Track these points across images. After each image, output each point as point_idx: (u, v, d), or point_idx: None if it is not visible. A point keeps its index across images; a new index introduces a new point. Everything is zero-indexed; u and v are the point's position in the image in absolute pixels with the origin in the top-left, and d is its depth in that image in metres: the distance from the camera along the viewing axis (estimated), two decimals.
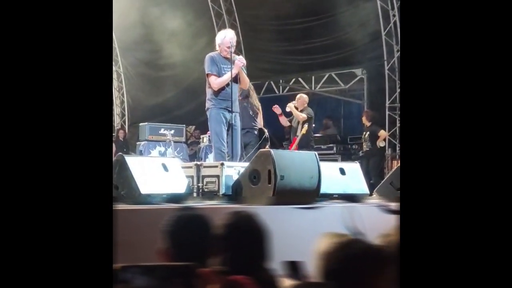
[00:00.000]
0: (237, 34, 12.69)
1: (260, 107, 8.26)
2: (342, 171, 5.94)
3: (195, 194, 5.41)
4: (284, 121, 9.61)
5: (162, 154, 11.48)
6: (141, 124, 12.39)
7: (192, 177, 5.48)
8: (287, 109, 9.56)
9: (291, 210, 4.84)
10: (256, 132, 7.96)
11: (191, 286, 1.91)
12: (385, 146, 10.85)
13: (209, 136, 10.89)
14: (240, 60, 6.43)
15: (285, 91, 13.41)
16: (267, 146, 7.85)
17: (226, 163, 5.46)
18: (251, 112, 7.90)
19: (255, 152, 7.22)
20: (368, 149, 10.73)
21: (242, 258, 2.36)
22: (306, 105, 9.63)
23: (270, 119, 11.29)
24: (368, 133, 10.74)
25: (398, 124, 11.21)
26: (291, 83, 13.38)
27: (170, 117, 13.41)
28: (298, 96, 9.81)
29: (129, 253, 2.91)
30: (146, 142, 11.85)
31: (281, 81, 13.54)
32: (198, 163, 5.74)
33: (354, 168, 6.14)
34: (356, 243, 2.01)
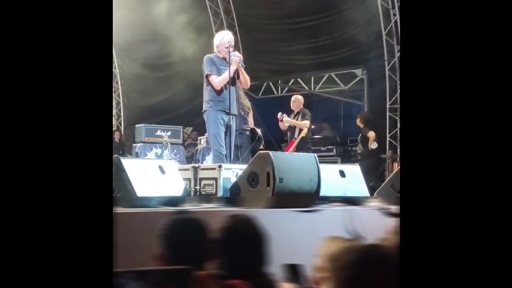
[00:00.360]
0: (235, 34, 12.80)
1: (250, 106, 8.24)
2: (342, 174, 5.94)
3: (192, 195, 5.41)
4: (283, 125, 9.57)
5: (159, 156, 11.47)
6: (137, 125, 12.39)
7: (189, 179, 5.48)
8: (286, 124, 9.43)
9: (290, 213, 4.84)
10: (248, 133, 7.94)
11: None
12: (377, 148, 10.81)
13: (206, 138, 10.90)
14: (236, 55, 6.46)
15: (284, 91, 13.40)
16: (262, 146, 7.84)
17: (224, 165, 5.46)
18: (242, 113, 7.89)
19: (250, 153, 7.24)
20: (360, 151, 10.74)
21: (239, 262, 2.35)
22: (302, 106, 9.53)
23: (269, 121, 11.31)
24: (360, 135, 10.78)
25: (399, 126, 11.21)
26: (290, 84, 13.37)
27: (166, 119, 13.40)
28: (293, 98, 9.70)
29: (125, 257, 2.90)
30: (142, 144, 11.84)
31: (279, 81, 13.53)
32: (196, 165, 5.73)
33: (354, 171, 6.13)
34: (370, 250, 1.99)
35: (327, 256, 2.04)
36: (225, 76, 6.37)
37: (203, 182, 5.44)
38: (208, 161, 10.27)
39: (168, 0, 12.32)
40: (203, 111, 6.53)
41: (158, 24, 12.91)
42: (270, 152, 5.14)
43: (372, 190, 6.73)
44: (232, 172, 5.40)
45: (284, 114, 9.43)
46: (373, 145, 10.54)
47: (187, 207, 4.78)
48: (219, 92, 6.41)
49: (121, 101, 15.34)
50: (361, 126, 10.78)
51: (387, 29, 11.41)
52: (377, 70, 11.71)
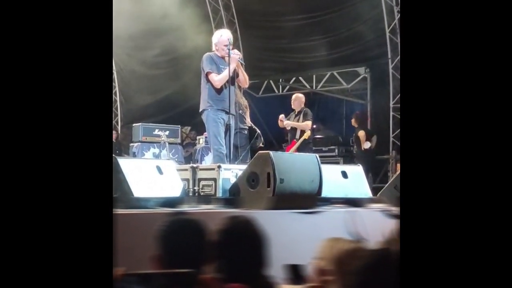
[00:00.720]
0: (234, 30, 12.82)
1: (247, 105, 8.24)
2: (344, 174, 5.94)
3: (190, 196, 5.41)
4: (282, 124, 9.54)
5: (157, 156, 11.46)
6: (134, 124, 12.37)
7: (187, 180, 5.48)
8: (288, 128, 9.41)
9: (291, 214, 4.84)
10: (246, 132, 7.94)
11: None
12: (371, 148, 10.79)
13: (205, 137, 10.89)
14: (235, 53, 6.48)
15: (285, 90, 13.39)
16: (261, 144, 7.84)
17: (224, 166, 5.46)
18: (240, 111, 7.88)
19: (248, 152, 7.23)
20: (354, 152, 10.76)
21: (239, 265, 2.35)
22: (303, 105, 9.50)
23: (269, 120, 11.29)
24: (354, 135, 10.82)
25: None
26: (291, 82, 13.36)
27: (164, 118, 13.39)
28: (293, 97, 9.66)
29: (121, 259, 2.90)
30: (139, 143, 11.82)
31: (280, 80, 13.51)
32: (194, 165, 5.73)
33: (356, 171, 6.13)
34: (378, 255, 1.99)
35: (331, 259, 2.04)
36: (225, 74, 6.38)
37: (202, 182, 5.44)
38: (207, 161, 10.26)
39: None
40: (201, 110, 6.52)
41: (155, 21, 12.92)
42: (271, 152, 5.14)
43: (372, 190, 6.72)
44: (231, 173, 5.40)
45: (283, 116, 9.41)
46: (366, 145, 10.54)
47: (185, 208, 4.78)
48: (219, 91, 6.42)
49: (117, 99, 15.33)
50: (356, 126, 10.79)
51: (391, 27, 11.40)
52: (381, 69, 11.70)
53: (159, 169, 4.98)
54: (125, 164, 4.78)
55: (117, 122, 15.38)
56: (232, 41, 6.58)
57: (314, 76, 12.98)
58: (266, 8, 12.92)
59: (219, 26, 11.77)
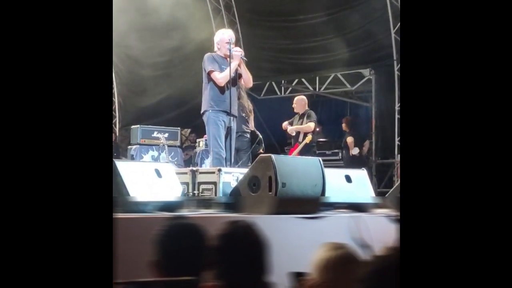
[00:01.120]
0: (236, 31, 12.81)
1: (252, 109, 8.21)
2: (348, 179, 5.93)
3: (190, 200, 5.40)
4: (285, 126, 9.54)
5: (155, 159, 11.45)
6: (132, 126, 12.36)
7: (187, 183, 5.47)
8: (292, 134, 9.40)
9: (293, 219, 4.83)
10: (248, 136, 7.92)
11: None
12: (360, 154, 10.75)
13: (205, 140, 10.88)
14: (237, 50, 6.47)
15: (287, 92, 13.38)
16: (262, 150, 7.82)
17: (224, 169, 5.45)
18: (243, 114, 7.86)
19: (249, 157, 7.22)
20: (343, 157, 10.74)
21: (239, 271, 2.34)
22: (307, 107, 9.48)
23: (271, 122, 11.29)
24: (343, 140, 10.81)
25: (399, 130, 11.19)
26: (293, 84, 13.36)
27: (164, 120, 13.38)
28: (295, 99, 9.62)
29: (118, 265, 2.89)
30: (138, 146, 11.81)
31: (283, 81, 13.50)
32: (194, 168, 5.73)
33: (361, 176, 6.13)
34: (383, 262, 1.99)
35: (322, 267, 2.04)
36: (229, 71, 6.37)
37: (202, 186, 5.44)
38: (207, 165, 10.25)
39: None
40: (202, 111, 6.51)
41: (155, 21, 12.92)
42: (273, 155, 5.13)
43: None
44: (232, 176, 5.40)
45: (287, 123, 9.40)
46: (354, 151, 10.50)
47: (184, 212, 4.78)
48: (222, 91, 6.39)
49: (116, 100, 15.34)
50: (347, 130, 10.78)
51: (396, 27, 11.39)
52: (386, 70, 11.70)
53: (158, 172, 4.98)
54: (123, 167, 4.78)
55: (115, 124, 15.39)
56: (233, 40, 6.58)
57: (317, 77, 12.98)
58: (268, 8, 12.92)
59: (220, 26, 11.74)
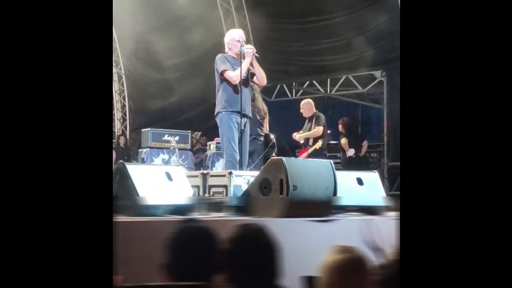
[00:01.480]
0: (247, 33, 12.79)
1: (267, 111, 8.16)
2: (360, 181, 5.91)
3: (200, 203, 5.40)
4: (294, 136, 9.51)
5: (166, 162, 11.49)
6: (143, 129, 12.41)
7: (198, 187, 5.48)
8: (301, 141, 9.36)
9: (304, 223, 4.83)
10: (262, 139, 7.88)
11: None
12: (358, 155, 10.68)
13: (216, 143, 10.91)
14: (249, 48, 6.46)
15: (298, 94, 13.38)
16: (274, 154, 7.78)
17: (235, 172, 5.45)
18: (258, 117, 7.81)
19: (262, 160, 7.19)
20: (340, 159, 10.69)
21: (250, 274, 2.34)
22: (314, 110, 9.40)
23: (282, 125, 11.28)
24: (339, 142, 10.77)
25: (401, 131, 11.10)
26: (304, 86, 13.35)
27: (174, 123, 13.41)
28: (302, 104, 9.52)
29: (129, 268, 2.91)
30: (148, 149, 11.86)
31: (294, 83, 13.50)
32: (205, 171, 5.73)
33: (372, 178, 6.11)
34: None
35: (329, 271, 2.04)
36: (242, 69, 6.35)
37: (213, 189, 5.44)
38: (218, 168, 10.26)
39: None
40: (216, 112, 6.48)
41: (165, 24, 12.95)
42: (284, 158, 5.12)
43: None
44: (243, 179, 5.40)
45: (295, 134, 9.36)
46: (349, 152, 10.45)
47: (195, 215, 4.78)
48: (236, 91, 6.36)
49: (126, 104, 15.40)
50: (343, 131, 10.73)
51: None
52: (397, 72, 11.65)
53: (168, 176, 4.99)
54: (133, 170, 4.79)
55: (125, 127, 15.44)
56: (244, 39, 6.57)
57: (328, 79, 12.96)
58: (279, 9, 12.92)
59: (230, 27, 11.76)
